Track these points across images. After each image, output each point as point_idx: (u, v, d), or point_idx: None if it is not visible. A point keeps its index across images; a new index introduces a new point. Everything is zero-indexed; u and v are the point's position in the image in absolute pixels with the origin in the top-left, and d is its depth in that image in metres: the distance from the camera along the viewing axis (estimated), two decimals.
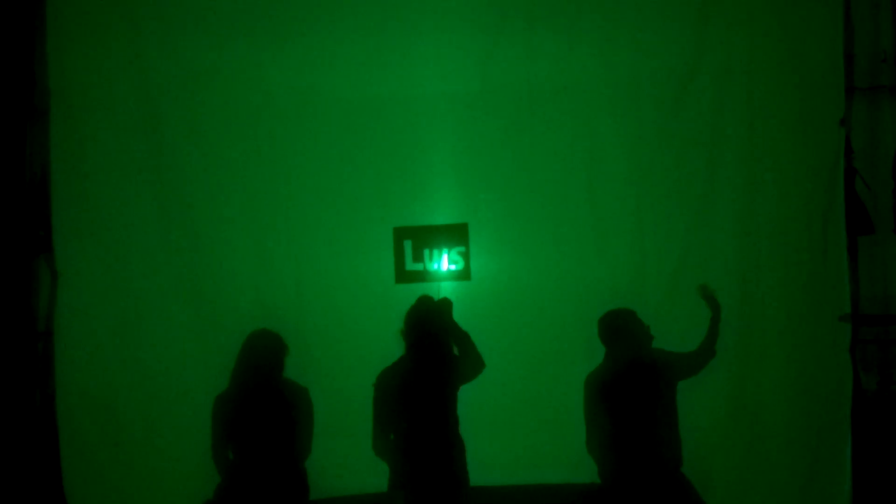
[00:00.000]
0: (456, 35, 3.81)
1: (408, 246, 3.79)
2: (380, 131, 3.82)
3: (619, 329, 3.51)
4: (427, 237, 3.80)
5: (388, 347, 3.59)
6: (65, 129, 3.71)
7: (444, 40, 3.82)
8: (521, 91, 3.81)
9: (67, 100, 3.71)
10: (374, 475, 3.53)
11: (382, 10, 3.81)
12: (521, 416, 3.74)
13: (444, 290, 3.76)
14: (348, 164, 3.81)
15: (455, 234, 3.80)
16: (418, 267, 3.79)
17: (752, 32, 3.75)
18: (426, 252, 3.79)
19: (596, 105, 3.80)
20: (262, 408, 3.44)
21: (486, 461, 3.56)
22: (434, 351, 3.51)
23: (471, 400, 3.59)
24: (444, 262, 3.80)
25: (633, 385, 3.43)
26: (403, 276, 3.79)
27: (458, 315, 3.61)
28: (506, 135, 3.81)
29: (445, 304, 3.58)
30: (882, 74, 4.01)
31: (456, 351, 3.57)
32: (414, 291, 3.68)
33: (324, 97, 3.80)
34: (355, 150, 3.82)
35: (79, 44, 3.72)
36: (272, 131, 3.81)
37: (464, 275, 3.80)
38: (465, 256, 3.79)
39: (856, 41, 3.92)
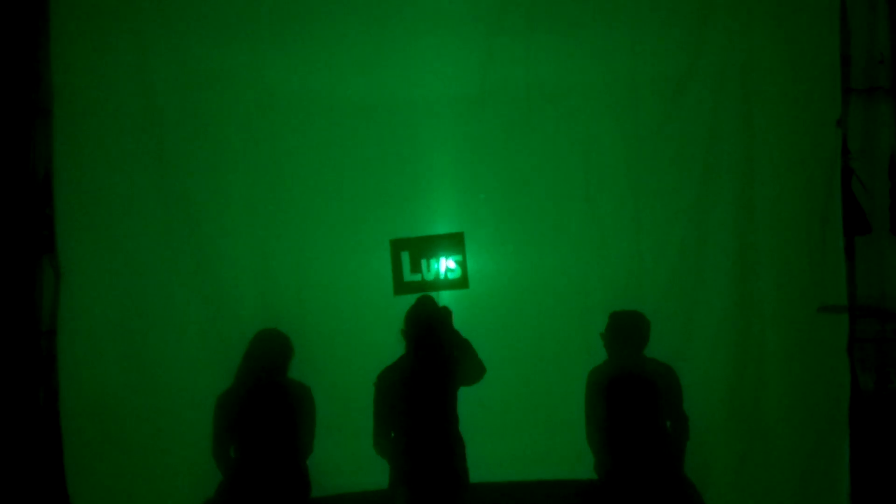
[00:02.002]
0: (455, 38, 3.84)
1: (405, 257, 3.81)
2: (380, 133, 3.84)
3: (630, 329, 3.55)
4: (424, 247, 3.81)
5: (389, 347, 3.61)
6: (69, 128, 3.72)
7: (443, 43, 3.84)
8: (520, 93, 3.83)
9: (71, 99, 3.72)
10: (375, 473, 3.56)
11: (382, 13, 3.83)
12: (521, 415, 3.76)
13: (444, 295, 3.79)
14: (349, 165, 3.83)
15: (451, 244, 3.82)
16: (416, 277, 3.81)
17: (750, 35, 3.77)
18: (423, 262, 3.81)
19: (594, 107, 3.82)
20: (265, 406, 3.47)
21: (485, 459, 3.59)
22: (434, 350, 3.53)
23: (471, 399, 3.62)
24: (442, 269, 3.82)
25: (634, 385, 3.45)
26: (402, 287, 3.81)
27: (459, 316, 3.64)
28: (505, 137, 3.83)
29: (445, 313, 3.60)
30: (878, 75, 4.03)
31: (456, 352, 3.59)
32: (414, 293, 3.72)
33: (325, 99, 3.82)
34: (356, 151, 3.84)
35: (82, 43, 3.74)
36: (274, 132, 3.83)
37: (461, 283, 3.82)
38: (462, 265, 3.82)
39: (852, 43, 3.95)
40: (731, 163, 3.78)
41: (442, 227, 3.86)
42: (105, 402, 3.71)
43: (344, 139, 3.84)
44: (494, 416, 3.72)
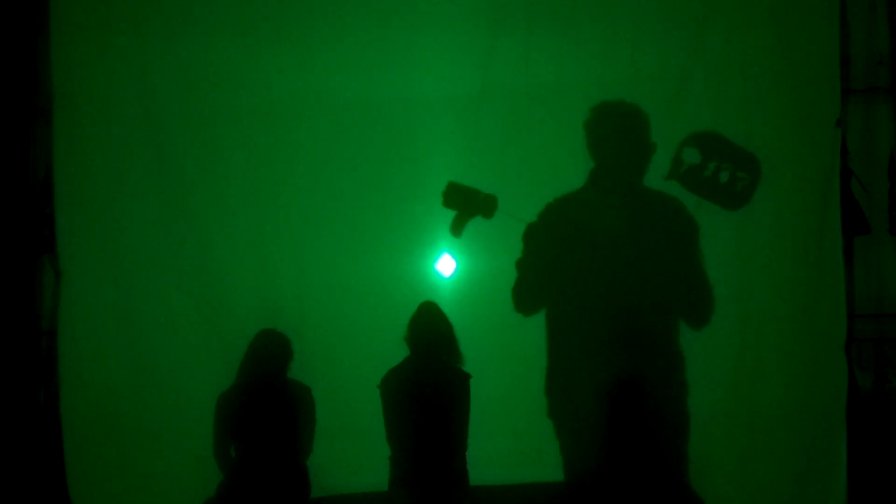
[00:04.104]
0: (455, 37, 3.83)
1: None
2: (380, 132, 3.84)
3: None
4: None
5: (390, 348, 3.60)
6: (68, 129, 3.72)
7: (443, 42, 3.83)
8: (520, 92, 3.83)
9: (71, 100, 3.72)
10: (375, 473, 3.56)
11: (382, 12, 3.82)
12: (521, 415, 3.75)
13: (444, 293, 3.78)
14: (349, 165, 3.83)
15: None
16: None
17: (749, 35, 3.77)
18: None
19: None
20: (265, 406, 3.48)
21: (486, 460, 3.59)
22: (437, 357, 3.53)
23: (471, 399, 3.62)
24: (445, 263, 3.82)
25: (636, 386, 3.47)
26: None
27: (458, 315, 3.63)
28: (504, 137, 3.83)
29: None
30: (878, 76, 4.04)
31: (460, 359, 3.59)
32: (415, 293, 3.71)
33: (325, 99, 3.81)
34: (356, 151, 3.83)
35: (82, 44, 3.73)
36: (273, 132, 3.82)
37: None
38: None
39: (852, 43, 3.95)
40: None
41: (441, 227, 3.85)
42: (105, 401, 3.72)
43: (344, 139, 3.84)
44: (495, 416, 3.71)
